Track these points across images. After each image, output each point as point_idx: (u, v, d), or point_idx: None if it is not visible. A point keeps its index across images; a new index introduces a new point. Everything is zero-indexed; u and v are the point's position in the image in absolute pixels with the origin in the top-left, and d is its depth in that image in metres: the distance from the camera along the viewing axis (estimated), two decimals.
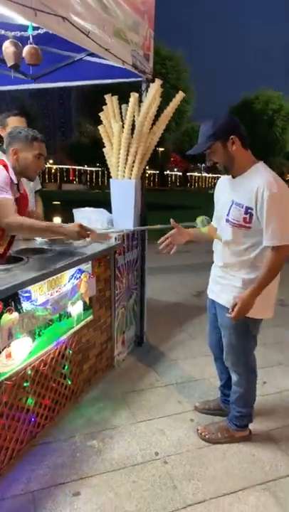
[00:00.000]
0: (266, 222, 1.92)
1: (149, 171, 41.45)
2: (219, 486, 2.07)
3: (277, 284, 2.14)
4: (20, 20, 2.09)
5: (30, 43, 2.14)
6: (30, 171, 2.32)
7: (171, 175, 48.36)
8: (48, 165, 39.56)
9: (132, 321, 3.47)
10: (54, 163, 40.67)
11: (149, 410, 2.68)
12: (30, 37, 2.15)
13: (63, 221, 3.14)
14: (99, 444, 2.35)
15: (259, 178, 1.95)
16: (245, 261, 2.07)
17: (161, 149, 30.97)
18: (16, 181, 2.31)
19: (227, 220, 2.08)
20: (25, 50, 2.11)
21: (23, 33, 2.15)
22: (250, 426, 2.45)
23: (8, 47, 2.02)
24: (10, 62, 2.08)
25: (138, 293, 3.53)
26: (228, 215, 2.07)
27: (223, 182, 2.22)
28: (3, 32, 2.07)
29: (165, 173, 45.89)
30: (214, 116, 2.04)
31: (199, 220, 2.20)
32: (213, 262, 2.33)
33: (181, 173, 48.19)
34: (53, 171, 39.88)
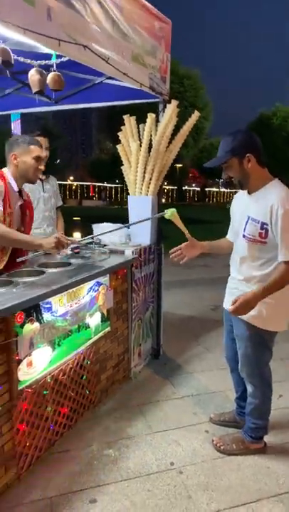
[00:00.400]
0: (281, 238, 1.99)
1: (167, 187, 41.79)
2: (233, 497, 2.09)
3: None
4: (45, 49, 2.25)
5: (54, 71, 2.30)
6: (30, 173, 2.46)
7: (190, 190, 48.57)
8: (69, 182, 40.36)
9: (148, 334, 3.54)
10: (75, 180, 41.49)
11: (164, 421, 2.72)
12: (54, 65, 2.31)
13: (83, 236, 3.30)
14: (115, 453, 2.41)
15: (274, 194, 2.03)
16: (260, 275, 2.13)
17: (179, 165, 31.25)
18: (16, 189, 2.44)
19: (244, 236, 2.16)
20: (50, 77, 2.27)
21: (47, 61, 2.31)
22: (266, 438, 2.47)
23: (33, 75, 2.18)
24: (35, 89, 2.24)
25: (155, 306, 3.60)
26: (244, 230, 2.15)
27: (240, 197, 2.31)
28: (29, 61, 2.23)
29: (183, 188, 46.16)
30: (235, 132, 2.13)
31: (170, 211, 2.34)
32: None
33: (199, 189, 48.41)
34: (73, 187, 40.64)
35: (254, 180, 2.12)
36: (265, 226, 2.04)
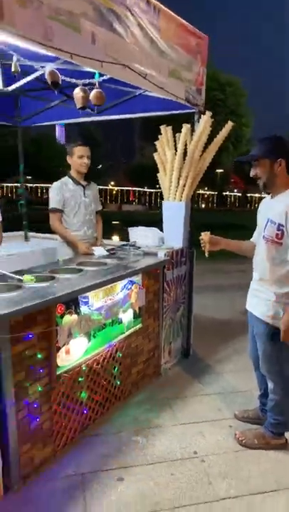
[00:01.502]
0: None
1: (207, 192, 41.59)
2: (251, 486, 2.22)
3: None
4: (88, 68, 2.49)
5: (96, 88, 2.54)
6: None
7: (230, 195, 48.08)
8: (110, 186, 41.14)
9: (178, 333, 3.70)
10: (115, 185, 42.26)
11: (191, 415, 2.88)
12: (97, 83, 2.55)
13: (121, 239, 3.59)
14: (142, 440, 2.59)
15: None
16: (278, 276, 2.27)
17: (220, 171, 31.11)
18: None
19: (263, 237, 2.31)
20: (92, 94, 2.51)
21: (91, 80, 2.56)
22: (287, 435, 2.57)
23: (78, 93, 2.43)
24: (79, 105, 2.49)
25: (186, 307, 3.76)
26: (264, 231, 2.30)
27: (265, 202, 2.47)
28: (74, 81, 2.49)
29: (224, 193, 45.77)
30: (271, 136, 2.31)
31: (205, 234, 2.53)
32: None
33: (240, 194, 47.83)
34: (114, 192, 41.41)
35: (279, 183, 2.27)
36: (281, 227, 2.18)
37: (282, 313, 2.25)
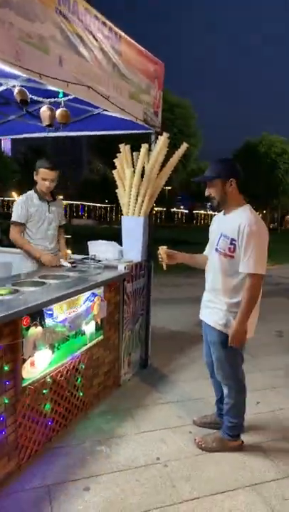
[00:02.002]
0: (244, 252, 2.34)
1: (156, 208, 42.38)
2: (213, 486, 2.34)
3: (258, 307, 2.51)
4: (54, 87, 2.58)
5: (62, 107, 2.64)
6: None
7: (178, 212, 49.34)
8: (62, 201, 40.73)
9: (137, 344, 3.80)
10: (64, 199, 41.93)
11: (152, 422, 2.97)
12: (62, 102, 2.65)
13: (73, 252, 3.78)
14: (106, 449, 2.64)
15: (244, 216, 2.40)
16: (229, 286, 2.47)
17: (168, 188, 31.93)
18: None
19: (216, 250, 2.51)
20: (58, 112, 2.60)
21: (56, 99, 2.65)
22: (244, 439, 2.73)
23: (45, 111, 2.51)
24: (46, 123, 2.56)
25: (144, 318, 3.87)
26: (217, 244, 2.50)
27: (217, 218, 2.68)
28: (41, 99, 2.57)
29: (172, 210, 46.87)
30: (223, 159, 2.57)
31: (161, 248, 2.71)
32: None
33: (187, 211, 49.20)
34: (63, 206, 41.05)
35: (231, 202, 2.48)
36: (233, 242, 2.39)
37: (233, 321, 2.44)
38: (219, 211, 2.61)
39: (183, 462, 2.55)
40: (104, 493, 2.25)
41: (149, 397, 3.36)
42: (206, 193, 2.52)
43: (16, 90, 2.39)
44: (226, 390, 2.64)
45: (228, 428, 2.67)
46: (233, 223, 2.40)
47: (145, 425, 2.94)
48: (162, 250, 2.69)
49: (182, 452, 2.65)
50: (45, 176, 3.42)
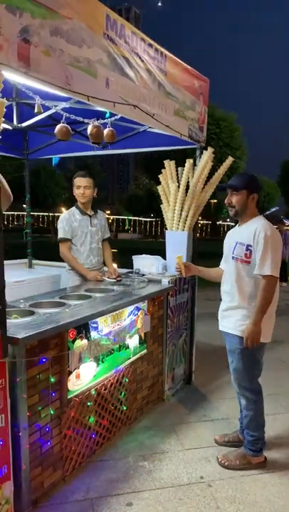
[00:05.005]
0: (259, 255, 2.40)
1: (201, 221, 42.18)
2: (258, 510, 2.25)
3: (274, 311, 2.54)
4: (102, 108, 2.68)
5: (109, 127, 2.74)
6: None
7: (224, 225, 48.84)
8: (106, 216, 41.72)
9: (181, 360, 3.77)
10: (111, 214, 42.82)
11: (196, 440, 2.92)
12: (109, 122, 2.75)
13: (119, 266, 3.86)
14: (149, 465, 2.62)
15: (258, 223, 2.51)
16: (246, 292, 2.52)
17: (214, 201, 31.76)
18: None
19: (232, 257, 2.57)
20: (105, 132, 2.70)
21: (105, 120, 2.75)
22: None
23: (92, 129, 2.61)
24: (93, 141, 2.66)
25: (188, 333, 3.84)
26: (233, 252, 2.56)
27: (233, 230, 2.77)
28: (86, 121, 2.68)
29: (218, 223, 46.44)
30: (250, 174, 2.77)
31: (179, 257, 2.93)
32: None
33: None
34: (109, 221, 41.97)
35: (248, 213, 2.58)
36: (249, 248, 2.47)
37: None
38: (236, 221, 2.70)
39: (228, 482, 2.49)
40: (146, 510, 2.23)
41: (193, 414, 3.31)
42: (227, 201, 2.62)
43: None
44: (243, 402, 2.64)
45: (250, 442, 2.62)
46: (249, 230, 2.50)
47: (189, 442, 2.89)
48: (178, 259, 2.89)
49: (227, 472, 2.58)
50: (79, 184, 3.54)
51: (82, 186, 3.55)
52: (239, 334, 2.52)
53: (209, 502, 2.31)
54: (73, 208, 3.66)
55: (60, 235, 3.56)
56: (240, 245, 2.53)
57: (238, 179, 2.61)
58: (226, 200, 2.62)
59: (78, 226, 3.57)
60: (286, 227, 11.01)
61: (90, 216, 3.65)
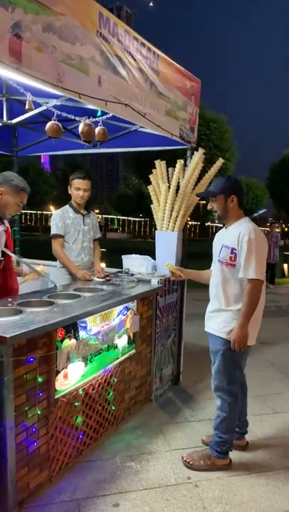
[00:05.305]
0: (243, 259, 2.41)
1: (190, 222, 42.30)
2: (245, 510, 2.26)
3: (260, 316, 2.56)
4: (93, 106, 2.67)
5: (100, 125, 2.72)
6: (6, 212, 2.72)
7: (212, 226, 49.11)
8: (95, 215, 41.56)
9: (169, 360, 3.77)
10: (100, 213, 42.67)
11: (183, 440, 2.92)
12: (101, 121, 2.73)
13: (107, 266, 3.85)
14: (136, 466, 2.62)
15: (243, 226, 2.51)
16: (232, 295, 2.53)
17: (203, 202, 31.90)
18: None
19: (218, 260, 2.59)
20: (97, 130, 2.68)
21: (96, 118, 2.73)
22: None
23: (84, 127, 2.59)
24: (84, 139, 2.65)
25: (176, 334, 3.85)
26: (219, 255, 2.58)
27: (220, 232, 2.77)
28: (77, 119, 2.66)
29: (206, 224, 46.66)
30: (227, 176, 2.72)
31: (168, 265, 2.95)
32: None
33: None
34: (98, 220, 41.78)
35: (231, 216, 2.59)
36: (234, 251, 2.49)
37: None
38: (222, 224, 2.71)
39: (214, 483, 2.49)
40: (133, 511, 2.23)
41: (180, 414, 3.31)
42: (209, 207, 2.66)
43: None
44: (218, 402, 2.65)
45: (217, 444, 2.62)
46: (234, 233, 2.51)
47: (176, 443, 2.89)
48: (168, 266, 2.92)
49: (214, 473, 2.58)
50: (78, 186, 3.52)
51: (82, 189, 3.52)
52: (223, 336, 2.54)
53: (196, 502, 2.31)
54: (67, 206, 3.64)
55: (53, 231, 3.53)
56: (225, 248, 2.54)
57: (213, 185, 2.63)
58: (208, 207, 2.67)
59: (71, 223, 3.55)
60: (276, 230, 11.14)
61: (83, 215, 3.63)
